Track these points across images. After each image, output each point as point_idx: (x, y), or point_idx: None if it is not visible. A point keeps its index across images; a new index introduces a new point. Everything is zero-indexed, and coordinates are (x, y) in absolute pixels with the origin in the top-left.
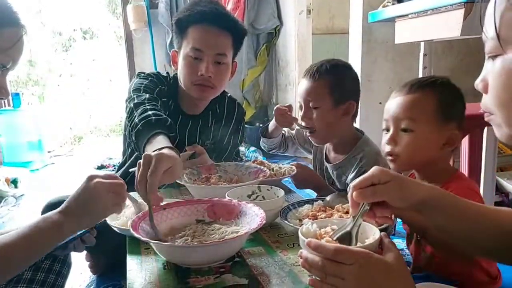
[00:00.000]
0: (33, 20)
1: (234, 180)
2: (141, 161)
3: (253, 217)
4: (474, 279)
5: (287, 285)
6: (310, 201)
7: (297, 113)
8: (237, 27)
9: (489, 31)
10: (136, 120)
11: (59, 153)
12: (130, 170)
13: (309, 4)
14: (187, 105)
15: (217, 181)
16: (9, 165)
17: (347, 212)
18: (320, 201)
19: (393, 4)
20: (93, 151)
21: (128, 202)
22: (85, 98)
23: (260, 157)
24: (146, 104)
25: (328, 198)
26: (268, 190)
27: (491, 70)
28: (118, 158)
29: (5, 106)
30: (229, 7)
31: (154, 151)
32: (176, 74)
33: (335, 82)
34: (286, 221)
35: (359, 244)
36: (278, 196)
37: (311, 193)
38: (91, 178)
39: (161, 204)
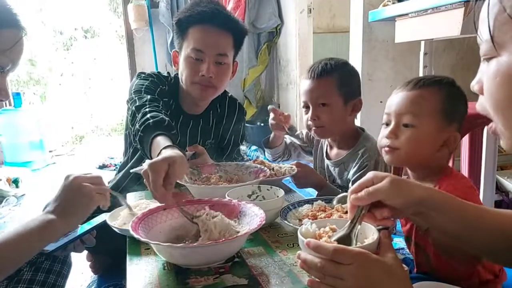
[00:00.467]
0: (34, 19)
1: (234, 180)
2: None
3: (253, 217)
4: (478, 278)
5: (287, 285)
6: (310, 201)
7: (294, 113)
8: (238, 27)
9: (483, 34)
10: (137, 125)
11: (61, 153)
12: (131, 170)
13: (310, 3)
14: (188, 104)
15: (217, 181)
16: (10, 165)
17: (346, 212)
18: (320, 201)
19: (393, 3)
20: (95, 150)
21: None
22: (86, 98)
23: (262, 156)
24: (147, 106)
25: (334, 201)
26: (268, 190)
27: (486, 72)
28: (119, 158)
29: (6, 106)
30: (229, 6)
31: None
32: (177, 74)
33: (342, 79)
34: (286, 221)
35: (358, 244)
36: (278, 196)
37: (311, 193)
38: (67, 176)
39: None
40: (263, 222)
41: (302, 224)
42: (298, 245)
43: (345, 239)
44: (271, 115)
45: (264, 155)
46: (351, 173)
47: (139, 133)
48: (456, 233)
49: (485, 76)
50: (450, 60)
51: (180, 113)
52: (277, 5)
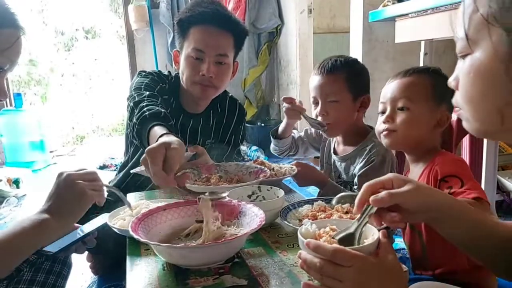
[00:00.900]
0: (35, 20)
1: (234, 180)
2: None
3: (253, 217)
4: (480, 277)
5: (287, 286)
6: (310, 201)
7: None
8: (239, 28)
9: (459, 32)
10: (135, 119)
11: (62, 153)
12: (131, 171)
13: (310, 3)
14: (189, 103)
15: (217, 181)
16: (11, 165)
17: (346, 212)
18: (320, 201)
19: (393, 3)
20: (96, 150)
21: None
22: (87, 98)
23: (262, 157)
24: (145, 101)
25: (333, 202)
26: (268, 190)
27: (461, 69)
28: (120, 158)
29: (7, 106)
30: (230, 6)
31: None
32: (178, 73)
33: (351, 76)
34: (286, 222)
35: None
36: (278, 196)
37: (312, 193)
38: (60, 174)
39: (162, 204)
40: (263, 222)
41: (302, 225)
42: (298, 245)
43: (349, 239)
44: (285, 103)
45: (265, 155)
46: (357, 168)
47: (136, 126)
48: (467, 244)
49: (461, 73)
50: (450, 60)
51: (180, 111)
52: (277, 6)
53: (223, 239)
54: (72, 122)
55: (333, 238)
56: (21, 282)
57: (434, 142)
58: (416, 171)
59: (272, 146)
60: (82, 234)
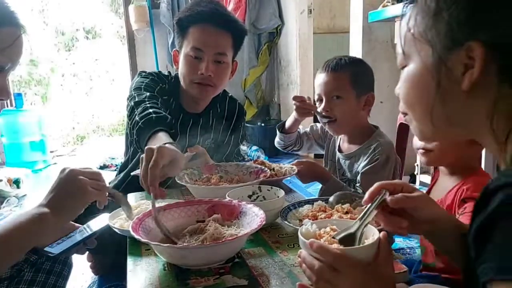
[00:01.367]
0: (36, 20)
1: (235, 180)
2: (143, 155)
3: (253, 217)
4: None
5: (287, 286)
6: (310, 201)
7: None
8: (237, 27)
9: (398, 48)
10: (137, 118)
11: (62, 153)
12: (132, 173)
13: (310, 4)
14: (188, 103)
15: (217, 182)
16: (11, 166)
17: (347, 212)
18: (320, 201)
19: (393, 3)
20: (96, 150)
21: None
22: (87, 98)
23: (262, 156)
24: (147, 102)
25: (331, 199)
26: (268, 190)
27: (401, 78)
28: (120, 158)
29: (7, 106)
30: (230, 7)
31: None
32: (178, 73)
33: (356, 74)
34: (286, 222)
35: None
36: (278, 197)
37: (313, 193)
38: (63, 169)
39: (163, 204)
40: (264, 222)
41: (302, 225)
42: (299, 245)
43: (349, 239)
44: (298, 98)
45: (265, 155)
46: (361, 165)
47: (139, 124)
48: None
49: (400, 82)
50: None
51: (180, 111)
52: (278, 6)
53: (223, 239)
54: (73, 122)
55: (333, 238)
56: (22, 282)
57: (471, 160)
58: (446, 183)
59: (277, 139)
60: (83, 236)
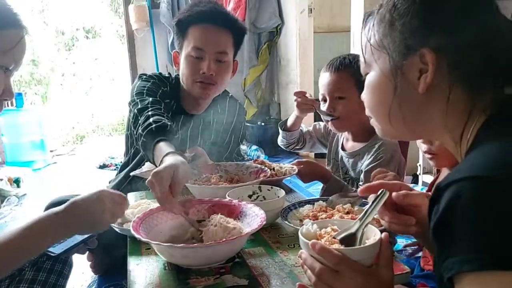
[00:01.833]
0: (36, 20)
1: (235, 180)
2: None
3: (254, 217)
4: None
5: (287, 286)
6: (311, 202)
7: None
8: (237, 25)
9: (361, 58)
10: (140, 130)
11: (62, 153)
12: (131, 174)
13: (311, 3)
14: (189, 104)
15: (217, 181)
16: (11, 165)
17: (348, 213)
18: (321, 201)
19: None
20: (96, 150)
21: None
22: (87, 98)
23: (262, 156)
24: (149, 109)
25: (331, 198)
26: (268, 190)
27: (365, 85)
28: (120, 158)
29: (8, 106)
30: (230, 6)
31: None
32: (178, 74)
33: (359, 73)
34: (286, 222)
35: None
36: (278, 197)
37: (313, 193)
38: (98, 192)
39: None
40: (264, 222)
41: (303, 225)
42: (299, 245)
43: (350, 239)
44: (299, 94)
45: (265, 154)
46: (365, 164)
47: (142, 138)
48: None
49: (364, 88)
50: None
51: (181, 113)
52: (278, 5)
53: (224, 239)
54: (72, 121)
55: (334, 238)
56: (23, 281)
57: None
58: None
59: (279, 138)
60: (84, 236)
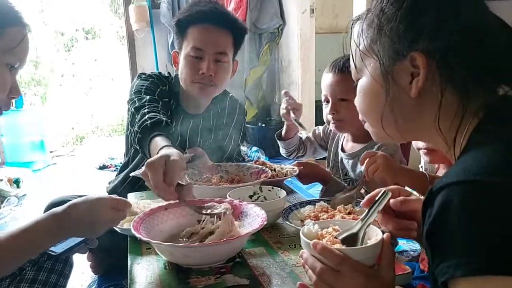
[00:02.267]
0: (35, 20)
1: (235, 181)
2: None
3: (255, 217)
4: None
5: (288, 286)
6: (312, 202)
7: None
8: (237, 25)
9: (351, 63)
10: (136, 127)
11: (61, 153)
12: (131, 174)
13: (312, 3)
14: (189, 104)
15: (218, 182)
16: (11, 165)
17: (349, 213)
18: (322, 202)
19: None
20: (95, 151)
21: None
22: (87, 98)
23: (263, 157)
24: (146, 107)
25: (336, 195)
26: (269, 190)
27: (357, 90)
28: (120, 158)
29: None
30: (231, 6)
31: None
32: (178, 74)
33: None
34: (287, 222)
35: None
36: (279, 197)
37: (314, 194)
38: (98, 198)
39: (163, 203)
40: (265, 222)
41: (304, 225)
42: (300, 246)
43: (352, 239)
44: (283, 101)
45: (265, 155)
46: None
47: (138, 134)
48: None
49: (357, 93)
50: None
51: (180, 112)
52: (279, 6)
53: (224, 239)
54: (72, 122)
55: (335, 238)
56: (24, 281)
57: None
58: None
59: (280, 148)
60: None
